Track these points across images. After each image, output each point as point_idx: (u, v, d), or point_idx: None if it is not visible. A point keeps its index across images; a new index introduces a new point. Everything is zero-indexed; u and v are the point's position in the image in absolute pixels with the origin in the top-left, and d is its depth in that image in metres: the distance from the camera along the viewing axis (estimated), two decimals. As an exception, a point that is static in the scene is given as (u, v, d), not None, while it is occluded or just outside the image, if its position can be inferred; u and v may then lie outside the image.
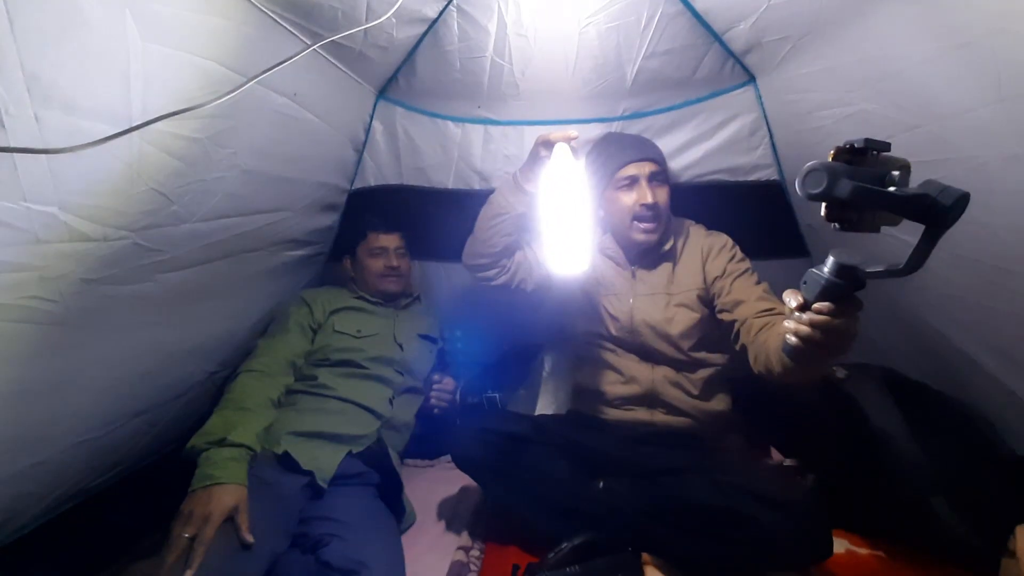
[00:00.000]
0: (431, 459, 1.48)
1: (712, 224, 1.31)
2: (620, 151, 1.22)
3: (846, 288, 0.65)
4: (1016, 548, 0.91)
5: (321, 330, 1.32)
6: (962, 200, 0.56)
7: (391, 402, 1.28)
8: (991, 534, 0.97)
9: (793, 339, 0.72)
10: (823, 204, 0.60)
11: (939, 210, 0.56)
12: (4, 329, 0.73)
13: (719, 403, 1.23)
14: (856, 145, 0.58)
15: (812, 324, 0.69)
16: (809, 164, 0.58)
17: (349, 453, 1.13)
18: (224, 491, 0.90)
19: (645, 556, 1.03)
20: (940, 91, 0.84)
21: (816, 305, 0.67)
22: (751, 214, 1.40)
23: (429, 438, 1.44)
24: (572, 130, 1.10)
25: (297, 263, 1.46)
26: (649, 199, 1.17)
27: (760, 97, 1.30)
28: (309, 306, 1.35)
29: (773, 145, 1.36)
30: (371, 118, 1.45)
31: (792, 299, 0.71)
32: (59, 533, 0.99)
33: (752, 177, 1.41)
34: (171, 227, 0.92)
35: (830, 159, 0.59)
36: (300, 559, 0.93)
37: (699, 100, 1.34)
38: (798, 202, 1.43)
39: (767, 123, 1.33)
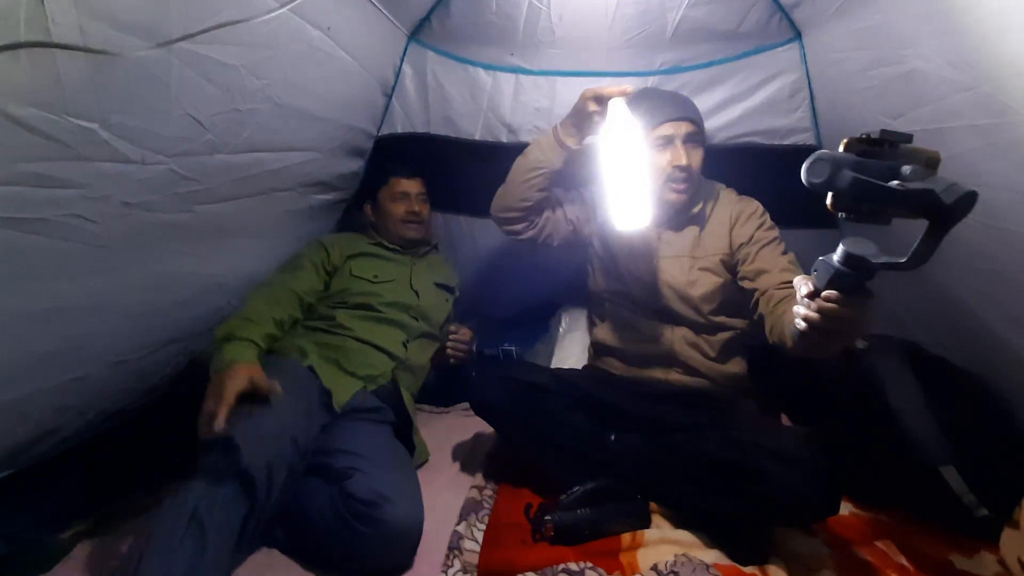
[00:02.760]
0: (446, 406, 1.52)
1: (742, 189, 1.28)
2: (657, 108, 1.18)
3: (854, 278, 0.65)
4: (1020, 518, 0.92)
5: (338, 274, 1.34)
6: (967, 198, 0.55)
7: (405, 345, 1.31)
8: (998, 504, 0.98)
9: (801, 324, 0.73)
10: (828, 194, 0.59)
11: (942, 208, 0.55)
12: (48, 245, 0.75)
13: (735, 366, 1.24)
14: (872, 136, 0.57)
15: (820, 311, 0.69)
16: (817, 152, 0.58)
17: (364, 388, 1.17)
18: (234, 369, 0.92)
19: (653, 505, 1.06)
20: (1002, 48, 0.79)
21: (825, 293, 0.68)
22: (783, 180, 1.34)
23: (444, 386, 1.48)
24: (627, 84, 1.05)
25: (323, 208, 1.46)
26: (683, 161, 1.13)
27: (804, 56, 1.25)
28: (326, 249, 1.36)
29: (813, 108, 1.32)
30: (401, 61, 1.43)
31: (804, 285, 0.71)
32: (100, 449, 1.04)
33: (788, 141, 1.37)
34: (205, 156, 0.93)
35: (842, 149, 0.58)
36: (325, 489, 0.97)
37: (740, 56, 1.30)
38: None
39: (809, 84, 1.28)
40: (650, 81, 1.35)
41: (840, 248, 0.64)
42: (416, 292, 1.39)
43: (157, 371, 1.08)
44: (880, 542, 1.00)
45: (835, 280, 0.66)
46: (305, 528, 0.95)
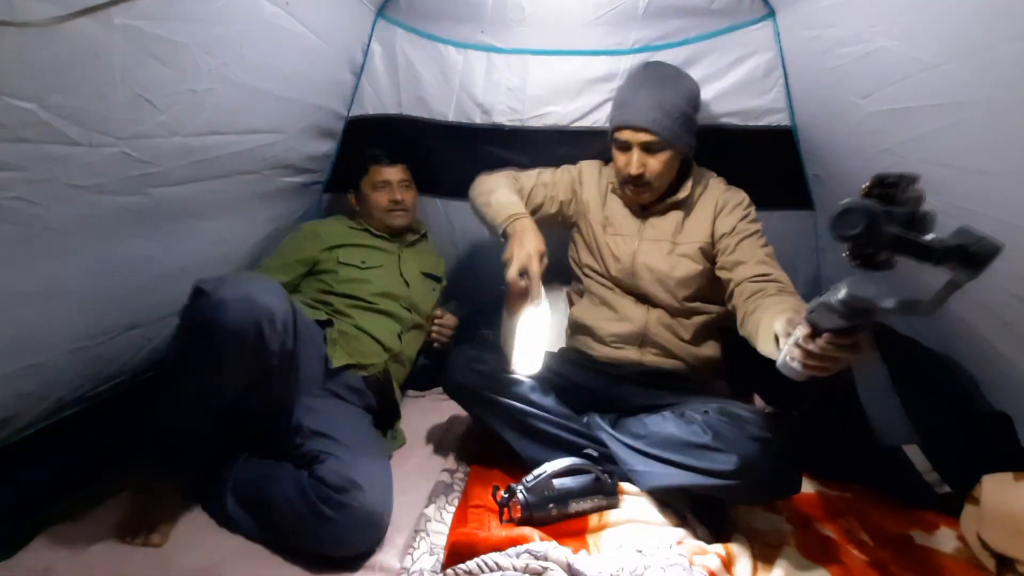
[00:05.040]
0: (422, 390, 1.52)
1: (717, 171, 1.28)
2: (622, 108, 1.17)
3: (859, 321, 0.63)
4: (980, 495, 0.94)
5: (324, 262, 1.33)
6: (996, 252, 0.56)
7: (400, 337, 1.31)
8: (960, 482, 1.00)
9: (796, 365, 0.72)
10: (848, 244, 0.60)
11: (973, 263, 0.56)
12: (-12, 228, 0.73)
13: (709, 348, 1.24)
14: (889, 180, 0.58)
15: (821, 354, 0.68)
16: (844, 203, 0.57)
17: (359, 366, 1.19)
18: None
19: (620, 486, 1.07)
20: (963, 25, 0.79)
21: (826, 337, 0.66)
22: (758, 162, 1.36)
23: (423, 371, 1.48)
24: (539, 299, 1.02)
25: (294, 191, 1.44)
26: (633, 171, 1.14)
27: (778, 34, 1.23)
28: (311, 237, 1.34)
29: (787, 88, 1.30)
30: (370, 39, 1.39)
31: (800, 327, 0.70)
32: (62, 437, 1.03)
33: (763, 122, 1.36)
34: (161, 139, 0.90)
35: (862, 195, 0.59)
36: (292, 473, 0.96)
37: (714, 35, 1.28)
38: (808, 151, 1.38)
39: (783, 63, 1.27)
40: (623, 60, 1.33)
41: (843, 290, 0.63)
42: (406, 281, 1.38)
43: (118, 357, 1.06)
44: (842, 519, 1.02)
45: (837, 323, 0.64)
46: (273, 513, 0.94)
